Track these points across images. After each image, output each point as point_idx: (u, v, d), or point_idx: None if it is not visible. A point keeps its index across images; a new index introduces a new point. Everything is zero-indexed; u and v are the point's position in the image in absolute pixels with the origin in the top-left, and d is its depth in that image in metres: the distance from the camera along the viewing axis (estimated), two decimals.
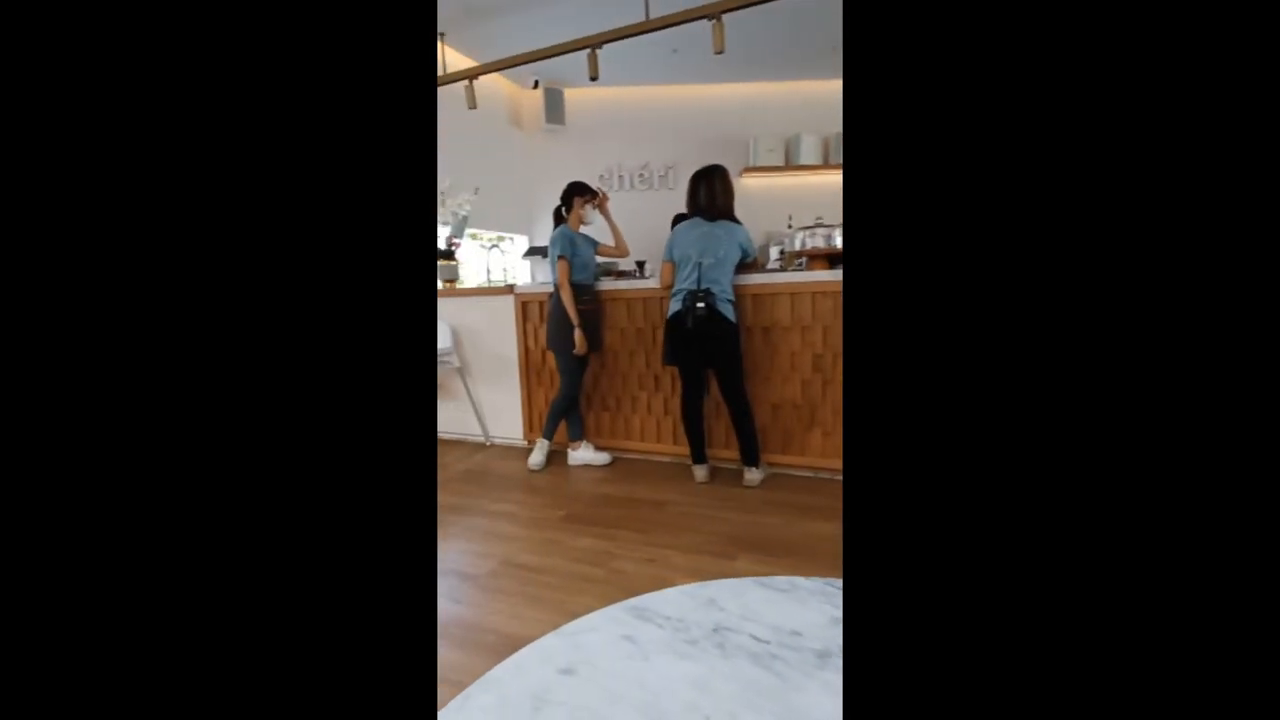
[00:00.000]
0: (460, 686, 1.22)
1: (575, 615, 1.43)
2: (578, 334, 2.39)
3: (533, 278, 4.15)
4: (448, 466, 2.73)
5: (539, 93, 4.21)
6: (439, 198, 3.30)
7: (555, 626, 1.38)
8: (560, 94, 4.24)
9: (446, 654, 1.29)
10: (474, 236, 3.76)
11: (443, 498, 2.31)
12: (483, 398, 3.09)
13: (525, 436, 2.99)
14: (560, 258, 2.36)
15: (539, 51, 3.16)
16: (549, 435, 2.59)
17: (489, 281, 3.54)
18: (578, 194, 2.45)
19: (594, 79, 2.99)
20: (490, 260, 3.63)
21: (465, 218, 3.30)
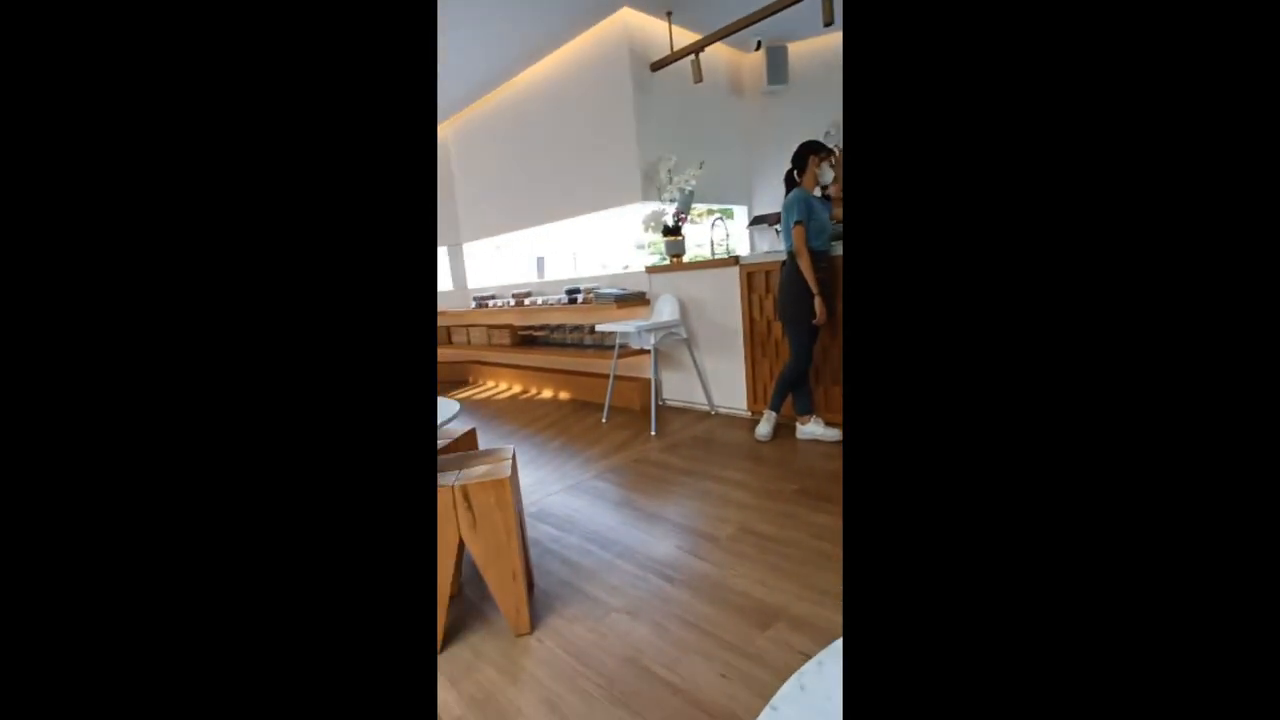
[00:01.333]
0: (718, 640, 1.27)
1: (823, 591, 1.39)
2: (818, 302, 2.28)
3: (751, 248, 4.09)
4: (676, 432, 2.89)
5: (760, 55, 4.06)
6: (667, 175, 3.43)
7: (804, 599, 1.36)
8: (783, 51, 4.03)
9: (701, 607, 1.37)
10: (697, 217, 3.84)
11: (674, 460, 2.46)
12: (708, 367, 3.18)
13: (749, 407, 3.00)
14: (797, 223, 2.27)
15: (770, 6, 3.02)
16: (776, 407, 2.56)
17: (712, 254, 3.59)
18: (812, 152, 2.31)
19: (829, 24, 2.76)
20: (714, 233, 3.67)
21: (691, 193, 3.38)
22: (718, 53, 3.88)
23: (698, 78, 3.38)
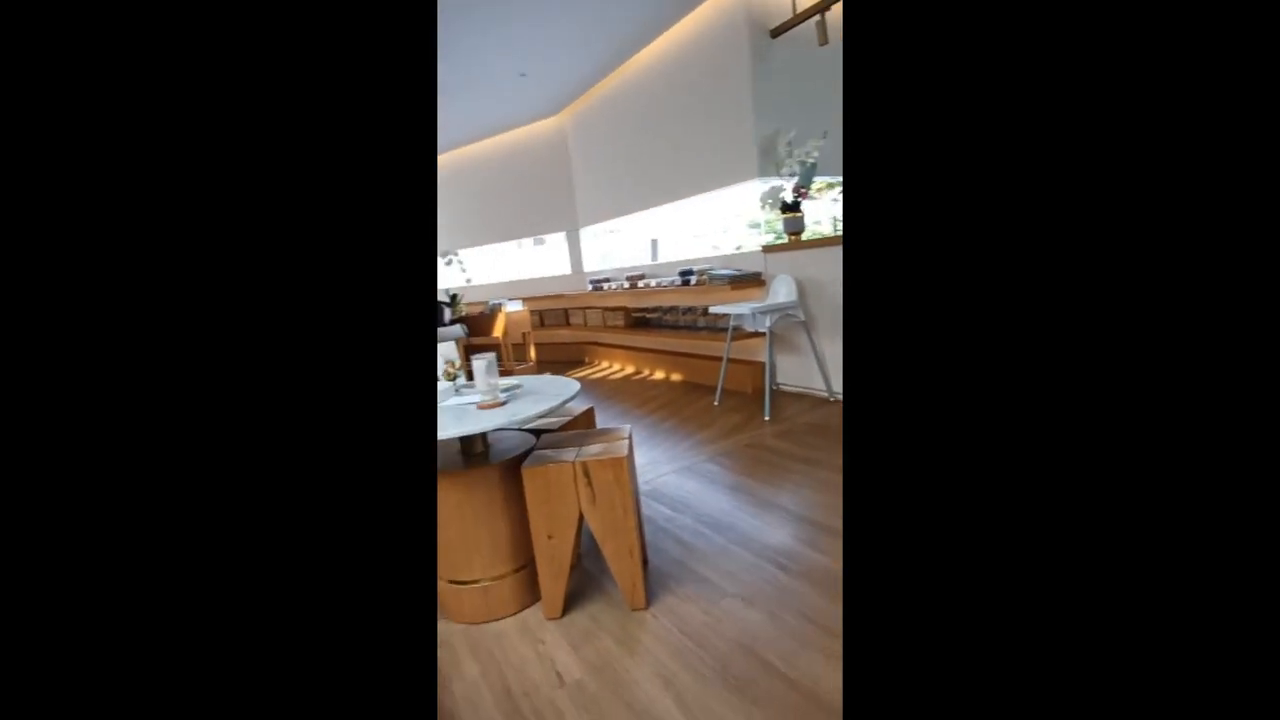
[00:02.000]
0: (838, 637, 1.21)
1: None
2: None
3: None
4: (791, 418, 2.79)
5: None
6: (785, 149, 3.26)
7: None
8: None
9: (819, 601, 1.31)
10: (818, 190, 3.61)
11: (789, 447, 2.37)
12: (827, 352, 3.02)
13: None
14: None
15: None
16: None
17: (835, 231, 3.37)
18: None
19: None
20: (837, 209, 3.44)
21: (813, 165, 3.18)
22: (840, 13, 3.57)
23: (823, 40, 3.15)
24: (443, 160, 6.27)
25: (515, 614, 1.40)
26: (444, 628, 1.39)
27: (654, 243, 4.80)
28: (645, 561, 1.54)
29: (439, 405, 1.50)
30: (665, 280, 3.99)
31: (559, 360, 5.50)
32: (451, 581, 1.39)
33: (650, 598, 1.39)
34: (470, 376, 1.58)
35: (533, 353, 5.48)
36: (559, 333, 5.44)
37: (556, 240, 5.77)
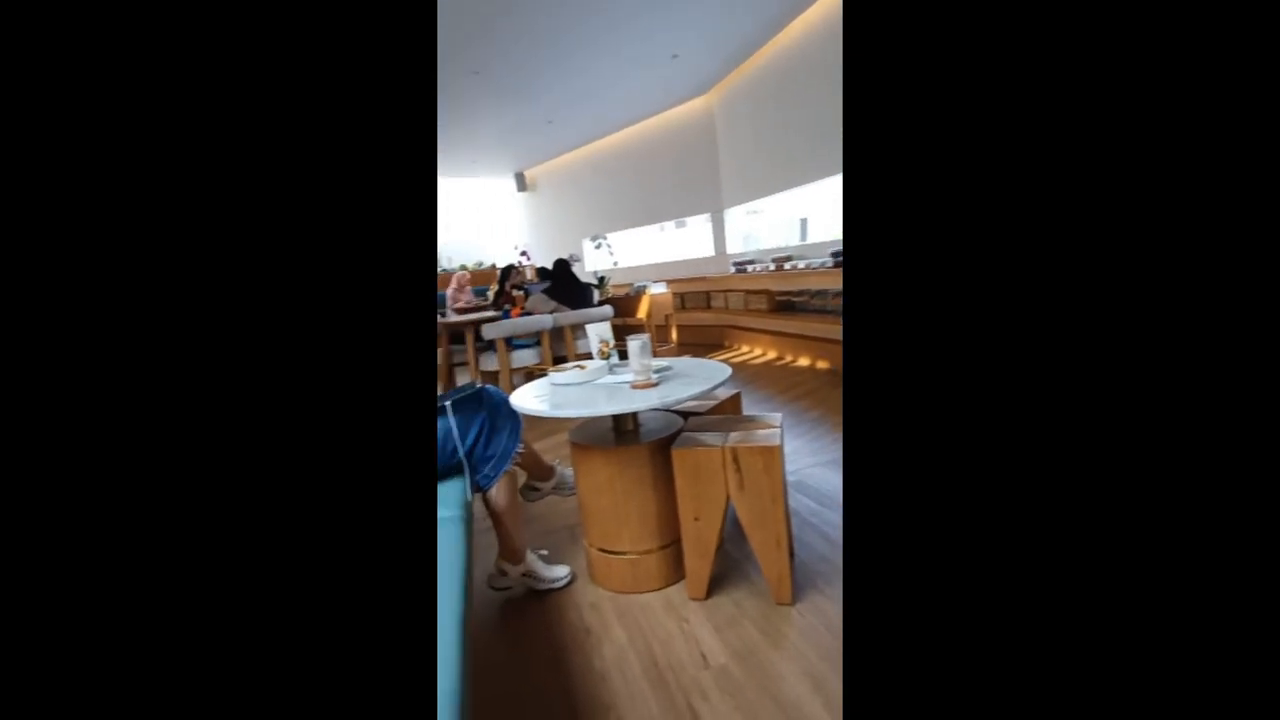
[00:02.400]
0: None
1: None
2: None
3: None
4: None
5: None
6: None
7: None
8: None
9: None
10: None
11: None
12: None
13: None
14: None
15: None
16: None
17: None
18: None
19: None
20: None
21: None
22: None
23: None
24: (593, 148, 6.54)
25: (660, 589, 1.44)
26: (594, 592, 1.48)
27: (803, 222, 4.57)
28: (792, 554, 1.49)
29: (594, 382, 1.58)
30: (815, 262, 3.78)
31: (698, 343, 5.52)
32: (601, 550, 1.46)
33: (796, 593, 1.34)
34: (622, 356, 1.64)
35: (675, 334, 5.56)
36: (699, 315, 5.45)
37: (696, 222, 5.75)
